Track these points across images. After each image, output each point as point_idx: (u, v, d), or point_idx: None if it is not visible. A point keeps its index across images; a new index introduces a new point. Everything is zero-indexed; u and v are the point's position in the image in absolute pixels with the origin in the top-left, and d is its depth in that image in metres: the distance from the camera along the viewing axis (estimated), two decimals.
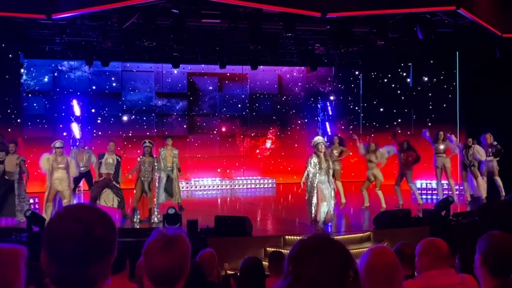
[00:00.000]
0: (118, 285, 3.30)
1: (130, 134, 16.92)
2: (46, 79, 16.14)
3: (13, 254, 1.92)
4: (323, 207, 9.67)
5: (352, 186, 14.66)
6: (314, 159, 9.67)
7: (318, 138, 9.97)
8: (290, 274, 1.60)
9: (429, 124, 15.28)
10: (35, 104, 16.03)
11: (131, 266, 3.59)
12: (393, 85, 16.75)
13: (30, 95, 15.85)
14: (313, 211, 9.67)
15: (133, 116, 17.07)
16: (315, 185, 9.64)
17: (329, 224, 10.04)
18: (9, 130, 13.72)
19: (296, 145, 18.14)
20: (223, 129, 18.02)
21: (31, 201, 12.48)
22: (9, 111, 13.74)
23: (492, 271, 2.45)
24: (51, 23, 11.74)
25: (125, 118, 16.94)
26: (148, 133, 16.93)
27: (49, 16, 9.83)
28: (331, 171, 9.88)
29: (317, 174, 9.63)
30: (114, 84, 16.94)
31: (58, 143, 10.39)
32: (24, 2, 10.03)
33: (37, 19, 11.17)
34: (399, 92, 16.67)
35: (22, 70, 14.81)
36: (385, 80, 16.97)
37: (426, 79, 15.87)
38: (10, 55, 13.69)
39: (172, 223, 9.13)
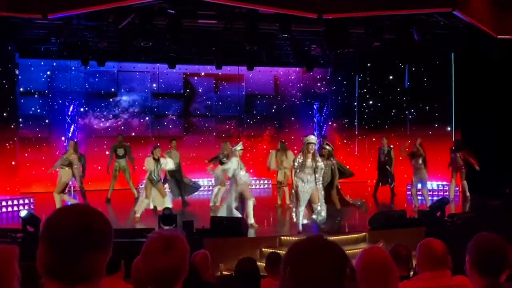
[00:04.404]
0: (113, 286, 3.29)
1: (121, 136, 16.70)
2: (41, 79, 16.07)
3: (6, 253, 1.91)
4: (301, 208, 9.60)
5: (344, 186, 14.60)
6: (299, 159, 9.56)
7: (311, 138, 9.69)
8: (287, 277, 1.59)
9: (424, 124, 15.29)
10: (30, 104, 15.96)
11: (126, 267, 3.58)
12: (389, 86, 16.77)
13: (25, 95, 15.77)
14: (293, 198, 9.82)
15: (130, 116, 16.99)
16: (296, 183, 9.59)
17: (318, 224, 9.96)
18: (4, 130, 13.67)
19: (294, 147, 18.09)
20: (219, 130, 18.00)
21: (26, 201, 12.50)
22: (4, 111, 13.69)
23: (481, 272, 2.46)
24: (47, 23, 11.70)
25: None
26: (146, 134, 16.89)
27: (45, 15, 9.77)
28: (321, 172, 9.67)
29: (299, 172, 9.51)
30: (110, 84, 16.87)
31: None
32: (19, 1, 9.97)
33: (32, 18, 11.13)
34: (395, 93, 16.70)
35: (17, 70, 14.74)
36: (381, 81, 16.99)
37: (421, 80, 15.90)
38: (5, 55, 13.63)
39: (167, 224, 9.12)
